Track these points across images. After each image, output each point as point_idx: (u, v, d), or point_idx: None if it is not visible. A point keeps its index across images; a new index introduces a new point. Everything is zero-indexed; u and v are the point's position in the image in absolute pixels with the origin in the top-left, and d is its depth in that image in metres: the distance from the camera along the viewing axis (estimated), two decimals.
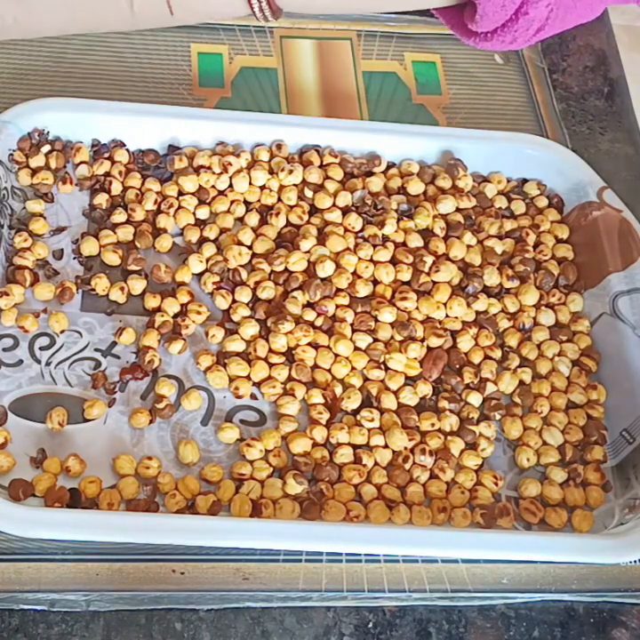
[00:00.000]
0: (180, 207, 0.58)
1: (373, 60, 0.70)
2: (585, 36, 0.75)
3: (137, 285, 0.55)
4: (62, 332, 0.53)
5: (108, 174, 0.58)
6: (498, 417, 0.54)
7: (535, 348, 0.57)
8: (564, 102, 0.71)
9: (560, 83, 0.72)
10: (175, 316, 0.55)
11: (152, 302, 0.55)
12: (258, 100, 0.66)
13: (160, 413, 0.51)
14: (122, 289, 0.55)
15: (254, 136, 0.61)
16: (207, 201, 0.59)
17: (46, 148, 0.58)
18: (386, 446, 0.52)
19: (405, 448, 0.52)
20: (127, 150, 0.59)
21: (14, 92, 0.62)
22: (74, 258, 0.56)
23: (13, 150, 0.57)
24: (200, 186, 0.59)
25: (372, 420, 0.52)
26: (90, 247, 0.56)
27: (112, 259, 0.56)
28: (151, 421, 0.51)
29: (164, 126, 0.60)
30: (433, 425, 0.53)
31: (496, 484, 0.52)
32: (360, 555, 0.49)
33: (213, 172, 0.59)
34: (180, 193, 0.59)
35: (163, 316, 0.54)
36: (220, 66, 0.67)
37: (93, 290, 0.55)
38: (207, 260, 0.57)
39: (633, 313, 0.57)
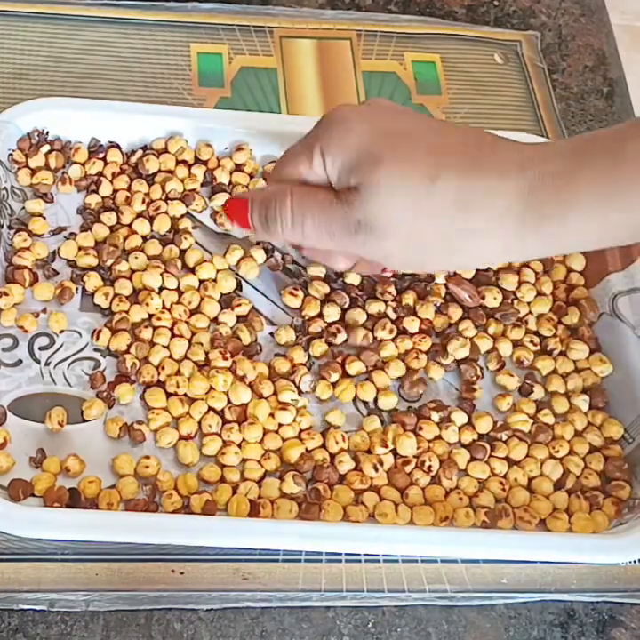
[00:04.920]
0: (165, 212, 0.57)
1: (373, 60, 0.70)
2: (585, 36, 0.75)
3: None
4: (62, 331, 0.53)
5: (100, 174, 0.58)
6: (505, 438, 0.53)
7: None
8: (563, 102, 0.71)
9: (560, 83, 0.72)
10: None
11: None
12: (258, 100, 0.66)
13: None
14: (106, 295, 0.54)
15: (254, 136, 0.61)
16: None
17: (46, 147, 0.58)
18: (389, 452, 0.51)
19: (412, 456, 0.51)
20: (120, 151, 0.59)
21: (14, 91, 0.62)
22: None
23: (13, 150, 0.57)
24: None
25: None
26: (69, 250, 0.55)
27: (89, 261, 0.55)
28: None
29: (164, 126, 0.60)
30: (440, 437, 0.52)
31: (503, 490, 0.51)
32: (359, 555, 0.49)
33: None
34: (168, 197, 0.58)
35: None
36: (219, 66, 0.67)
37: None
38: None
39: (633, 313, 0.57)
